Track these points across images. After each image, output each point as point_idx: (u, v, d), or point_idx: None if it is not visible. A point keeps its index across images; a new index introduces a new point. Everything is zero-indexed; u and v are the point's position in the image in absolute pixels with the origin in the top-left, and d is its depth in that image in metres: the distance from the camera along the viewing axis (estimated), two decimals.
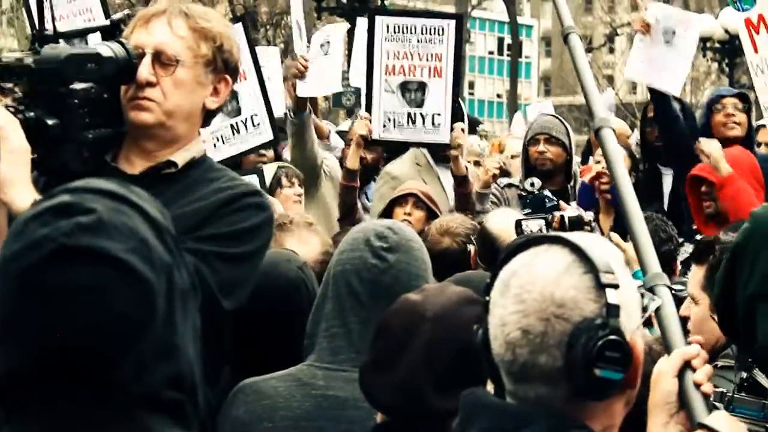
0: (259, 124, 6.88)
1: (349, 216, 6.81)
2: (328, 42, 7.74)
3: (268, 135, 6.97)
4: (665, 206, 7.28)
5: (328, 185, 7.51)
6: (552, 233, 2.36)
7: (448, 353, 2.73)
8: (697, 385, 2.42)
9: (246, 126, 6.90)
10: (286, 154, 7.98)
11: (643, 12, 7.38)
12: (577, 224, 5.43)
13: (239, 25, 7.04)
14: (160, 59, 3.32)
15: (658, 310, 2.41)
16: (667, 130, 7.22)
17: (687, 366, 2.46)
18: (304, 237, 4.40)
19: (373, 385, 2.80)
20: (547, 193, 7.16)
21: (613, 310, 2.13)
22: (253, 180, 6.09)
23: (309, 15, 28.99)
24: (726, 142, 6.88)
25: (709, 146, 6.35)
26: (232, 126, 6.87)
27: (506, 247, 2.36)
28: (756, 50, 6.63)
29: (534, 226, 5.51)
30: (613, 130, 3.08)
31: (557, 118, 7.45)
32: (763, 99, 6.74)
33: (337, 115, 25.60)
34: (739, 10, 6.71)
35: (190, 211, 3.27)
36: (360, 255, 3.27)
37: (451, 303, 2.81)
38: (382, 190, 7.05)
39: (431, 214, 6.39)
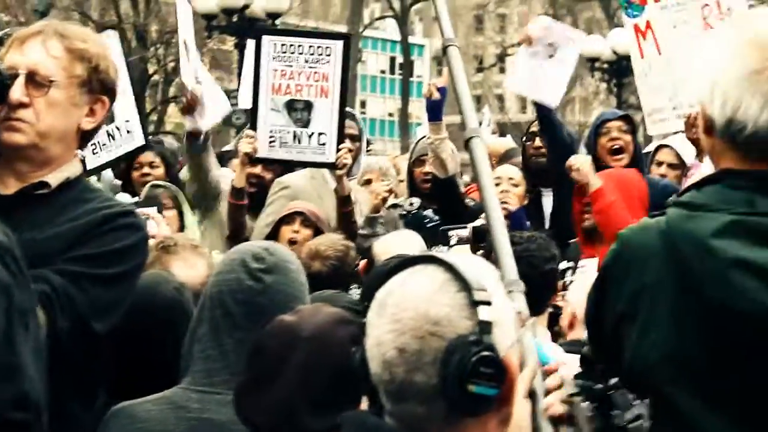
0: (130, 131, 7.01)
1: (238, 235, 6.74)
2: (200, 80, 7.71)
3: (139, 141, 7.11)
4: (546, 227, 7.33)
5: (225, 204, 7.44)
6: (425, 253, 2.35)
7: (324, 374, 2.72)
8: (547, 408, 2.46)
9: (120, 132, 7.00)
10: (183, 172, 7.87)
11: (529, 25, 7.46)
12: (480, 235, 5.45)
13: (113, 33, 7.21)
14: (34, 80, 3.27)
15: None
16: (552, 142, 7.28)
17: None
18: (189, 260, 4.35)
19: (247, 407, 2.76)
20: (428, 212, 7.20)
21: (485, 327, 2.14)
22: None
23: (198, 34, 28.86)
24: (612, 164, 6.97)
25: (578, 161, 6.42)
26: (108, 133, 6.95)
27: (378, 268, 2.36)
28: (642, 55, 6.78)
29: (463, 233, 5.56)
30: (483, 141, 3.08)
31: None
32: (645, 103, 6.87)
33: (227, 134, 25.44)
34: (630, 16, 6.83)
35: (62, 231, 3.21)
36: (236, 276, 3.25)
37: (326, 324, 2.80)
38: (274, 198, 7.01)
39: (319, 233, 6.35)
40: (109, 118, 6.54)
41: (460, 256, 2.26)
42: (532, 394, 2.46)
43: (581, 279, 5.16)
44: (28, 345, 1.88)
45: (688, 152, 7.29)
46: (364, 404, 2.42)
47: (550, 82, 7.19)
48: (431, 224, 7.13)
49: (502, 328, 2.19)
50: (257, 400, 2.73)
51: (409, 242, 5.63)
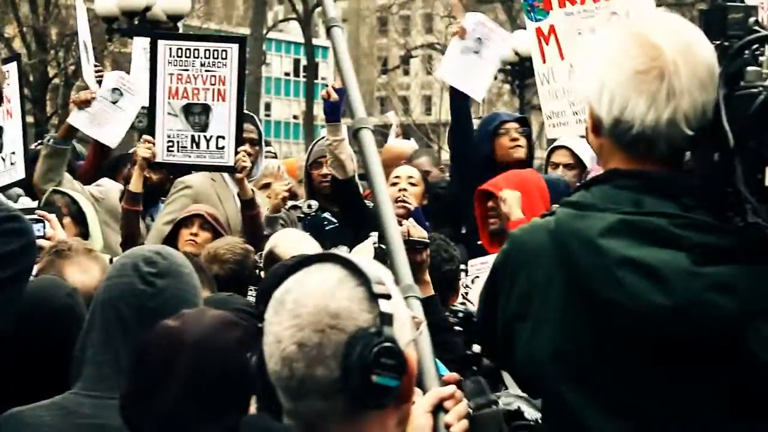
0: (14, 163, 7.00)
1: (132, 240, 6.66)
2: (122, 93, 7.64)
3: (20, 174, 7.11)
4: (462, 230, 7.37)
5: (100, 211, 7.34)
6: (322, 252, 2.35)
7: (211, 378, 2.68)
8: (448, 426, 2.49)
9: (4, 162, 7.01)
10: None
11: (462, 17, 7.57)
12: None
13: (13, 64, 7.11)
14: None
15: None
16: (460, 139, 7.32)
17: (440, 405, 2.52)
18: (84, 264, 4.28)
19: (135, 415, 2.71)
20: (326, 215, 7.18)
21: (386, 319, 2.16)
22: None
23: (100, 38, 28.50)
24: (510, 165, 7.04)
25: (508, 194, 6.46)
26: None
27: (274, 270, 2.34)
28: (544, 60, 6.81)
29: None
30: (372, 132, 3.04)
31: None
32: (545, 107, 6.92)
33: (130, 137, 25.16)
34: (532, 20, 6.88)
35: None
36: (128, 281, 3.21)
37: (211, 327, 2.76)
38: (174, 198, 6.96)
39: (218, 237, 6.31)
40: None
41: (357, 256, 2.28)
42: (435, 411, 2.49)
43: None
44: None
45: (586, 153, 7.38)
46: (253, 408, 2.40)
47: (476, 76, 7.26)
48: (330, 227, 7.12)
49: (400, 324, 2.21)
50: (144, 409, 2.69)
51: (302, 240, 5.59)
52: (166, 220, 6.78)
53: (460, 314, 4.93)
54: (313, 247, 5.41)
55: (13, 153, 6.93)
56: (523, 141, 7.21)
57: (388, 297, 2.18)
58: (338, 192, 7.18)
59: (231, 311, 3.15)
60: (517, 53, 24.77)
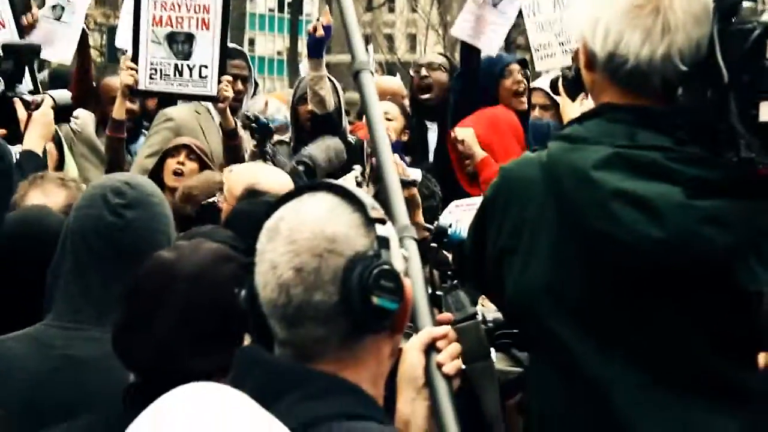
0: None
1: (118, 167, 6.61)
2: (63, 7, 7.59)
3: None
4: (430, 161, 7.36)
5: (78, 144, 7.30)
6: (315, 182, 2.34)
7: (205, 312, 2.66)
8: (440, 366, 2.52)
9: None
10: None
11: None
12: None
13: None
14: None
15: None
16: (466, 84, 7.27)
17: (433, 345, 2.55)
18: (48, 190, 4.22)
19: (126, 347, 2.70)
20: None
21: (383, 242, 2.17)
22: None
23: None
24: (518, 108, 7.05)
25: (463, 133, 6.44)
26: None
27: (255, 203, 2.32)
28: None
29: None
30: (372, 73, 3.04)
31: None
32: (532, 39, 6.94)
33: (114, 71, 25.00)
34: None
35: None
36: (97, 213, 3.16)
37: (207, 261, 2.73)
38: (157, 129, 6.92)
39: (205, 167, 6.30)
40: None
41: (348, 184, 2.26)
42: (427, 350, 2.50)
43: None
44: None
45: None
46: (247, 340, 2.39)
47: (491, 31, 7.21)
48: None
49: (394, 251, 2.21)
50: (137, 340, 2.65)
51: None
52: (147, 152, 6.74)
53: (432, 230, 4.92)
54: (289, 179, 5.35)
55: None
56: (524, 84, 7.18)
57: (383, 222, 2.19)
58: (319, 127, 7.15)
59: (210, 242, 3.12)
60: None
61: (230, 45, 7.09)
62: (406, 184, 4.90)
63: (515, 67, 7.21)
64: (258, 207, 4.32)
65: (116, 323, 2.74)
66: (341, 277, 2.12)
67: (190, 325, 2.65)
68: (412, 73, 7.76)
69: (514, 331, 3.07)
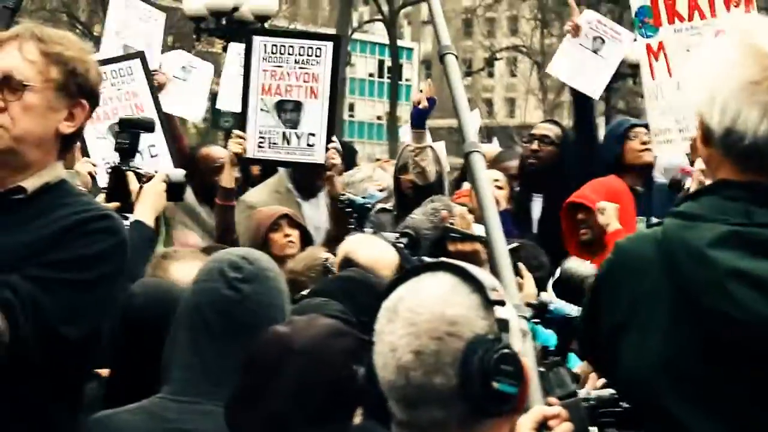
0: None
1: (226, 236, 6.69)
2: (190, 69, 7.84)
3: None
4: (533, 231, 7.33)
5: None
6: (433, 260, 2.34)
7: (318, 387, 2.67)
8: None
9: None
10: None
11: (577, 14, 7.51)
12: None
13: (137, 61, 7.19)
14: (9, 84, 3.22)
15: None
16: (586, 140, 7.31)
17: (545, 423, 2.54)
18: (189, 262, 4.28)
19: (239, 421, 2.72)
20: None
21: (503, 325, 2.14)
22: None
23: (188, 36, 28.73)
24: (640, 167, 7.14)
25: (606, 205, 6.43)
26: None
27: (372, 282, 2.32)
28: (653, 77, 6.81)
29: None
30: (483, 155, 3.08)
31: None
32: (652, 124, 6.91)
33: (215, 137, 25.39)
34: (643, 36, 6.87)
35: (31, 237, 3.17)
36: (214, 286, 3.19)
37: (321, 335, 2.75)
38: (238, 219, 6.97)
39: (304, 233, 6.39)
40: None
41: (465, 264, 2.25)
42: (538, 427, 2.49)
43: None
44: None
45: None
46: (357, 419, 2.40)
47: (592, 74, 7.24)
48: None
49: (513, 332, 2.19)
50: (249, 414, 2.68)
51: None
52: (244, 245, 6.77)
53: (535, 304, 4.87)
54: (390, 251, 5.35)
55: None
56: (651, 147, 7.20)
57: (502, 303, 2.17)
58: (420, 198, 7.18)
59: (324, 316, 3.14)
60: None
61: None
62: (470, 238, 4.89)
63: (641, 129, 7.23)
64: (328, 286, 4.35)
65: (230, 397, 2.76)
66: (461, 361, 2.11)
67: (302, 399, 2.66)
68: (522, 142, 7.78)
69: (617, 409, 3.03)
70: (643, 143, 7.16)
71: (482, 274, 2.21)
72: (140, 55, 7.28)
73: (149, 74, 7.11)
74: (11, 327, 3.00)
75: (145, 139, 6.55)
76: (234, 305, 3.16)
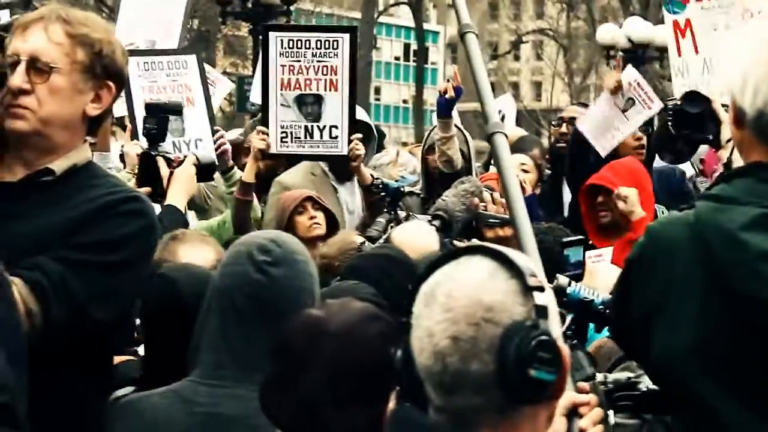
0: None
1: (243, 231, 6.67)
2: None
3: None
4: (564, 214, 7.32)
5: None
6: (471, 244, 2.32)
7: (352, 370, 2.65)
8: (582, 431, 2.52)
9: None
10: None
11: (619, 71, 7.47)
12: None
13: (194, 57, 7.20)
14: (35, 66, 3.22)
15: None
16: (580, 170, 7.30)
17: (575, 410, 2.54)
18: (197, 246, 4.28)
19: (273, 404, 2.71)
20: None
21: (541, 312, 2.12)
22: None
23: (213, 19, 28.75)
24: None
25: (628, 191, 6.40)
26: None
27: (425, 264, 2.29)
28: (679, 53, 6.76)
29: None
30: (506, 136, 3.05)
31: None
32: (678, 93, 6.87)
33: (242, 120, 25.43)
34: (670, 12, 6.82)
35: (60, 219, 3.18)
36: (243, 269, 3.17)
37: (355, 319, 2.73)
38: (273, 200, 6.97)
39: (329, 215, 6.39)
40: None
41: (505, 248, 2.23)
42: (570, 414, 2.47)
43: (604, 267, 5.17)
44: None
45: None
46: (392, 402, 2.39)
47: (611, 136, 7.21)
48: None
49: (552, 318, 2.17)
50: (283, 396, 2.67)
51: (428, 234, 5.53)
52: (269, 224, 6.77)
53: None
54: (433, 237, 5.35)
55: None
56: (644, 141, 7.20)
57: (541, 289, 2.15)
58: (447, 181, 7.18)
59: (357, 300, 3.12)
60: (630, 40, 24.47)
61: None
62: (507, 222, 4.87)
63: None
64: (367, 262, 4.32)
65: (264, 381, 2.75)
66: (498, 348, 2.09)
67: (336, 383, 2.65)
68: (552, 125, 7.77)
69: (634, 392, 3.02)
70: (637, 138, 7.11)
71: (521, 259, 2.19)
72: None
73: (203, 70, 7.12)
74: (43, 309, 3.02)
75: (191, 132, 6.66)
76: (263, 289, 3.15)
